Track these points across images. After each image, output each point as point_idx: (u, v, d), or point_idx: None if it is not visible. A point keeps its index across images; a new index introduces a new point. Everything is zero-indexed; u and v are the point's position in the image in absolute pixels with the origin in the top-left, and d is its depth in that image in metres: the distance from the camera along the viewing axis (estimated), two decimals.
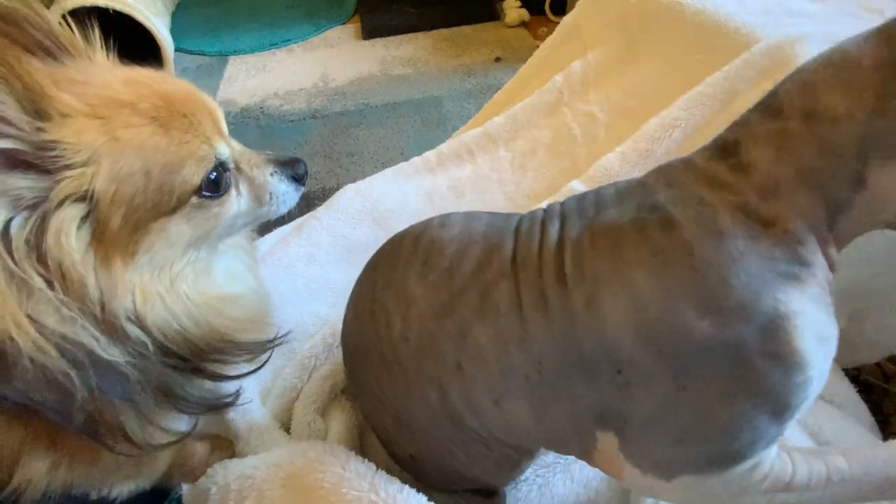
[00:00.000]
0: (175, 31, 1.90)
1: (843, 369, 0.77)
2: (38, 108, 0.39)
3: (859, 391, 0.75)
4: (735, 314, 0.37)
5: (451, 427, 0.51)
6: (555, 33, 1.14)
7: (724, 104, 0.75)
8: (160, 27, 1.68)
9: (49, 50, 0.47)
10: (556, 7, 1.90)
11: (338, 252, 0.95)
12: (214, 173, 0.49)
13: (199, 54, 1.99)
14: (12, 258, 0.39)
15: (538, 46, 1.19)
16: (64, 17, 0.54)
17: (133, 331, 0.46)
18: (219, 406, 0.57)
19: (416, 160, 1.12)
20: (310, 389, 0.74)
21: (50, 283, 0.41)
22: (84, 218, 0.43)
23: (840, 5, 0.82)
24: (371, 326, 0.53)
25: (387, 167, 1.14)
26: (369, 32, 2.00)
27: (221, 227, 0.52)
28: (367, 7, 2.12)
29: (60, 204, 0.41)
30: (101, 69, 0.49)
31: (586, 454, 0.48)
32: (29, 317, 0.40)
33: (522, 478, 0.64)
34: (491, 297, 0.46)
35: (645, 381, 0.41)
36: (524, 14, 1.98)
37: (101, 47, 0.51)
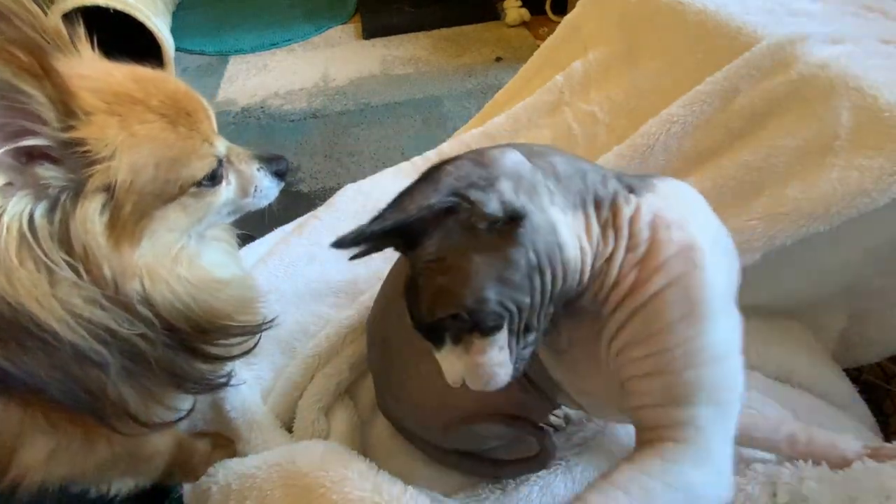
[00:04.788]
0: (175, 31, 1.89)
1: (845, 369, 0.77)
2: (66, 107, 0.42)
3: (860, 391, 0.75)
4: None
5: None
6: (555, 33, 1.14)
7: (725, 103, 0.75)
8: (161, 27, 1.68)
9: (38, 45, 0.47)
10: (557, 6, 1.90)
11: (338, 252, 0.95)
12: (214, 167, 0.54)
13: (199, 54, 1.99)
14: (40, 245, 0.43)
15: (539, 46, 1.19)
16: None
17: (143, 311, 0.49)
18: (214, 386, 0.60)
19: (416, 160, 1.12)
20: (315, 388, 0.74)
21: (73, 268, 0.44)
22: (104, 206, 0.46)
23: (841, 5, 0.81)
24: None
25: (387, 167, 1.14)
26: (370, 32, 2.00)
27: (212, 214, 0.56)
28: (368, 7, 2.12)
29: (88, 194, 0.45)
30: (104, 65, 0.51)
31: None
32: (59, 299, 0.43)
33: (524, 478, 0.64)
34: None
35: None
36: (525, 13, 1.97)
37: (88, 43, 0.52)
